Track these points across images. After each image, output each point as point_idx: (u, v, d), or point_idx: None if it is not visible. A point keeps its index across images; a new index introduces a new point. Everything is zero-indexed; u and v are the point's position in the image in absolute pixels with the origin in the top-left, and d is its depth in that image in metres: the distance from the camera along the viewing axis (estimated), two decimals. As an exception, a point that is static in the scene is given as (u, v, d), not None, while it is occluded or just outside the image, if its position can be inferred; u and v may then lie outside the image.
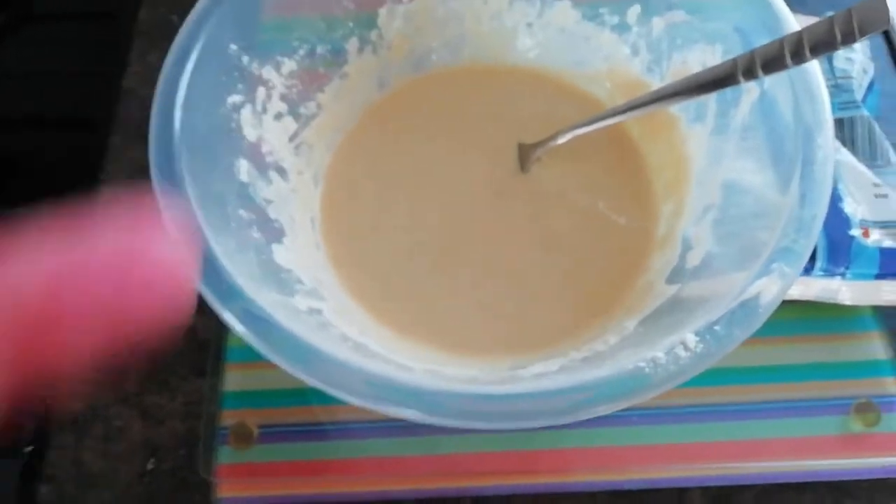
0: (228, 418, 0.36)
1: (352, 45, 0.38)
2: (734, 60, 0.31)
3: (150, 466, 0.36)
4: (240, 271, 0.27)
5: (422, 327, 0.35)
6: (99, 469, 0.36)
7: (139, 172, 0.44)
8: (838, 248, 0.36)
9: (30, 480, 0.36)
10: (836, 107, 0.40)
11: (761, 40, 0.30)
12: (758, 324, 0.25)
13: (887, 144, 0.40)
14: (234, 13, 0.33)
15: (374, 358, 0.29)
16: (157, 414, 0.38)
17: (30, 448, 0.37)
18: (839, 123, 0.40)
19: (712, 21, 0.34)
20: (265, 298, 0.27)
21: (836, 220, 0.37)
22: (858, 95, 0.41)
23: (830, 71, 0.41)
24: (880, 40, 0.47)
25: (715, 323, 0.25)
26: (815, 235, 0.28)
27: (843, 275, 0.37)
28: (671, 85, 0.34)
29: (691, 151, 0.36)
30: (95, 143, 0.46)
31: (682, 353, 0.25)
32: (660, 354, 0.25)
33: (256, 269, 0.30)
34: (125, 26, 0.50)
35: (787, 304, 0.37)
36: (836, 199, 0.37)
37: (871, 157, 0.40)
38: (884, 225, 0.37)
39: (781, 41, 0.29)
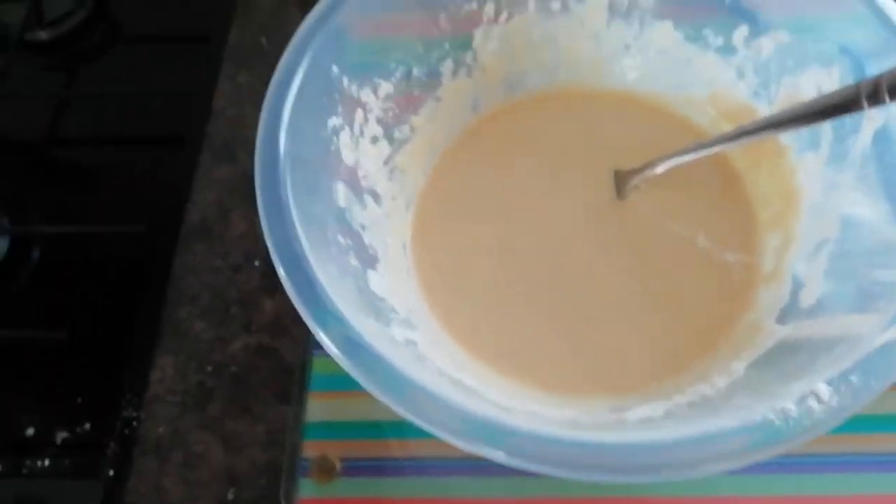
0: (310, 450, 0.35)
1: (446, 67, 0.38)
2: (857, 85, 0.29)
3: (230, 496, 0.36)
4: (341, 297, 0.26)
5: (515, 363, 0.33)
6: (180, 497, 0.36)
7: (227, 190, 0.45)
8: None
9: (112, 504, 0.36)
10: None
11: (882, 64, 0.28)
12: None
13: None
14: (336, 35, 0.32)
15: (472, 395, 0.28)
16: (237, 441, 0.37)
17: (112, 472, 0.37)
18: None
19: (827, 42, 0.32)
20: (365, 326, 0.26)
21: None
22: None
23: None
24: None
25: (850, 371, 0.23)
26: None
27: None
28: (785, 112, 0.32)
29: (802, 182, 0.34)
30: (184, 162, 0.46)
31: (814, 405, 0.23)
32: (790, 406, 0.23)
33: (356, 296, 0.29)
34: (215, 48, 0.51)
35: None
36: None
37: None
38: None
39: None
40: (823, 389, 0.23)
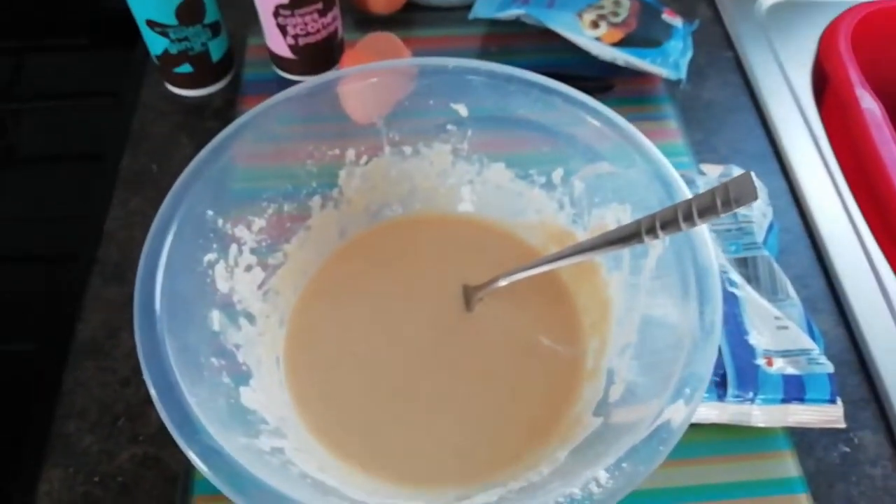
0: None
1: (315, 202, 0.44)
2: (638, 222, 0.36)
3: None
4: (207, 416, 0.30)
5: (375, 460, 0.38)
6: None
7: (115, 310, 0.48)
8: (746, 376, 0.41)
9: None
10: (740, 247, 0.46)
11: (661, 205, 0.36)
12: (659, 459, 0.29)
13: (786, 280, 0.46)
14: (211, 185, 0.37)
15: (330, 494, 0.32)
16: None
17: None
18: (743, 262, 0.46)
19: (621, 186, 0.40)
20: (229, 440, 0.30)
21: (743, 351, 0.42)
22: (759, 237, 0.47)
23: (734, 217, 0.48)
24: (782, 183, 0.54)
25: (623, 459, 0.29)
26: (708, 373, 0.32)
27: (752, 400, 0.41)
28: (588, 241, 0.39)
29: (611, 295, 0.41)
30: (75, 282, 0.50)
31: (594, 488, 0.29)
32: (576, 490, 0.29)
33: (225, 414, 0.33)
34: (109, 172, 0.55)
35: (705, 428, 0.42)
36: (742, 332, 0.43)
37: (773, 292, 0.46)
38: (785, 354, 0.42)
39: (676, 207, 0.35)
40: (602, 475, 0.29)
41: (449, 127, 0.44)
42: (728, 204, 0.33)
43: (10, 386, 0.48)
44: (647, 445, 0.30)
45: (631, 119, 0.57)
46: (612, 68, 0.58)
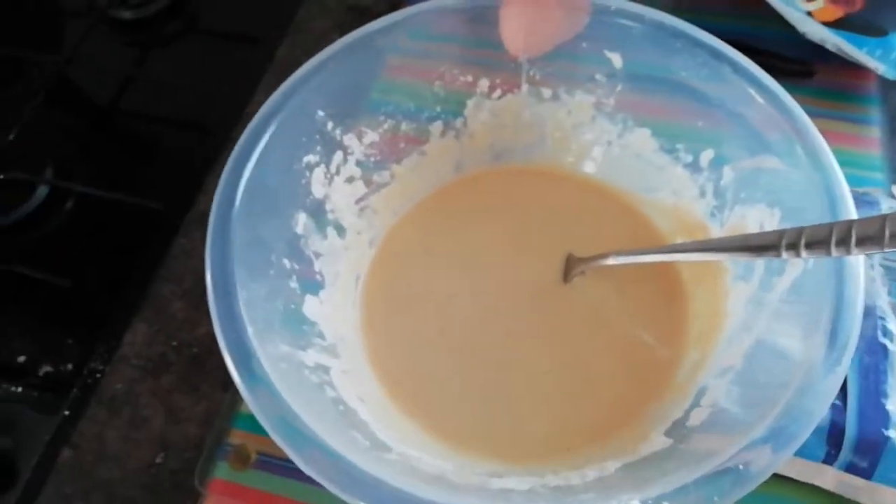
0: (235, 437, 0.39)
1: (436, 127, 0.41)
2: (782, 232, 0.30)
3: (158, 460, 0.40)
4: (254, 316, 0.30)
5: (424, 408, 0.36)
6: (116, 449, 0.40)
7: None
8: (868, 445, 0.35)
9: (58, 441, 0.41)
10: (906, 293, 0.38)
11: (817, 220, 0.30)
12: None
13: (959, 347, 0.38)
14: (328, 86, 0.36)
15: (356, 428, 0.31)
16: (179, 414, 0.41)
17: (67, 412, 0.42)
18: (907, 313, 0.38)
19: (777, 186, 0.34)
20: (269, 346, 0.29)
21: (875, 415, 0.35)
22: (940, 287, 0.39)
23: (909, 255, 0.39)
24: None
25: (668, 496, 0.25)
26: (811, 425, 0.27)
27: (867, 474, 0.35)
28: (719, 240, 0.34)
29: (730, 307, 0.36)
30: (207, 154, 0.51)
31: (623, 516, 0.25)
32: (599, 510, 0.25)
33: (277, 316, 0.33)
34: (263, 58, 0.56)
35: (807, 489, 0.36)
36: (880, 393, 0.36)
37: (938, 358, 0.37)
38: (929, 433, 0.35)
39: (831, 227, 0.29)
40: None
41: (598, 77, 0.39)
42: (896, 240, 0.27)
43: (131, 237, 0.50)
44: (702, 486, 0.25)
45: (827, 116, 0.49)
46: (819, 52, 0.49)
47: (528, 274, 0.40)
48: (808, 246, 0.29)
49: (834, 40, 0.48)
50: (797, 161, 0.33)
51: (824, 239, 0.29)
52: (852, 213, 0.31)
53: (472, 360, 0.37)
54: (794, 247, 0.30)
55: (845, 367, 0.28)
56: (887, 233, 0.27)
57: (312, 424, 0.28)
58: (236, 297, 0.30)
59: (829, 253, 0.29)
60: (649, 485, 0.27)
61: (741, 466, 0.26)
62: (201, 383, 0.43)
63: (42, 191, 0.53)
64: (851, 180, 0.46)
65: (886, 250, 0.27)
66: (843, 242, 0.28)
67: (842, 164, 0.47)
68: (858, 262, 0.30)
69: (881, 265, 0.39)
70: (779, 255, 0.30)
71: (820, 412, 0.27)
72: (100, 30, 0.61)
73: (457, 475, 0.32)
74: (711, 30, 0.36)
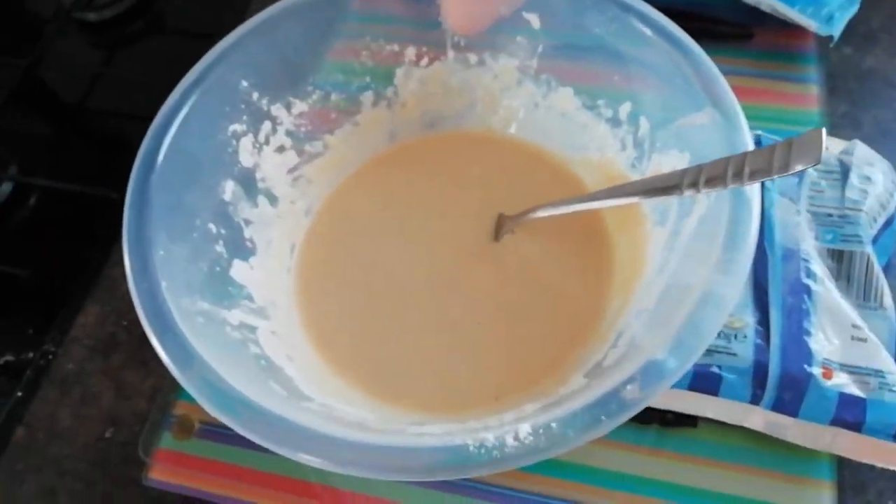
0: (179, 408, 0.40)
1: (367, 97, 0.42)
2: (683, 171, 0.31)
3: (107, 434, 0.41)
4: (171, 273, 0.31)
5: (355, 367, 0.37)
6: (67, 426, 0.41)
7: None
8: (792, 383, 0.35)
9: (12, 422, 0.42)
10: (837, 237, 0.38)
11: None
12: (596, 432, 0.25)
13: (885, 287, 0.38)
14: (252, 55, 0.37)
15: (275, 381, 0.32)
16: (128, 390, 0.42)
17: (20, 394, 0.43)
18: (836, 255, 0.39)
19: (687, 133, 0.34)
20: (185, 301, 0.30)
21: (797, 353, 0.35)
22: (868, 230, 0.39)
23: (840, 200, 0.40)
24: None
25: (554, 419, 0.26)
26: (690, 360, 0.27)
27: (793, 412, 0.35)
28: (629, 184, 0.35)
29: (649, 253, 0.36)
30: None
31: (510, 440, 0.26)
32: (489, 437, 0.26)
33: (199, 277, 0.33)
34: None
35: (736, 430, 0.36)
36: (802, 331, 0.36)
37: (864, 297, 0.38)
38: (852, 369, 0.35)
39: (727, 161, 0.30)
40: (524, 429, 0.26)
41: (519, 39, 0.40)
42: (786, 166, 0.27)
43: (90, 227, 0.52)
44: (588, 412, 0.26)
45: (767, 76, 0.50)
46: (756, 14, 0.50)
47: (461, 235, 0.40)
48: (708, 182, 0.30)
49: (768, 1, 0.48)
50: (703, 108, 0.33)
51: (721, 173, 0.29)
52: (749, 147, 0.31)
53: (404, 319, 0.38)
54: (694, 184, 0.30)
55: (739, 280, 0.28)
56: (776, 162, 0.28)
57: (224, 373, 0.29)
58: (151, 255, 0.31)
59: (725, 185, 0.29)
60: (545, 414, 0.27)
61: (623, 393, 0.26)
62: (150, 360, 0.44)
63: (6, 187, 0.54)
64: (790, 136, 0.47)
65: (776, 177, 0.28)
66: (738, 175, 0.29)
67: (781, 121, 0.48)
68: (753, 199, 0.30)
69: (808, 211, 0.40)
70: (681, 193, 0.31)
71: (700, 347, 0.27)
72: (66, 31, 0.63)
73: (378, 423, 0.32)
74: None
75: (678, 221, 0.34)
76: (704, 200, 0.32)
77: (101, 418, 0.42)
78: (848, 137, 0.46)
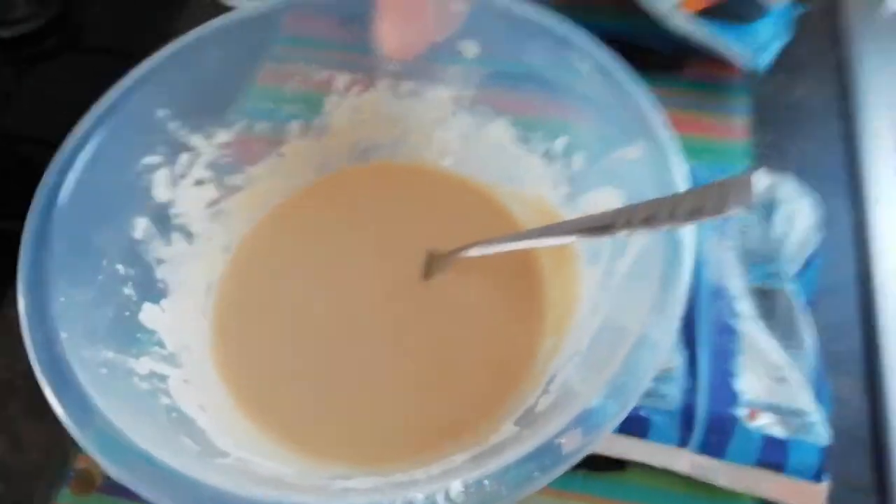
0: (80, 462, 0.37)
1: (293, 126, 0.40)
2: (618, 211, 0.31)
3: (-1, 491, 0.37)
4: (71, 321, 0.28)
5: (273, 416, 0.35)
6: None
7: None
8: (718, 424, 0.35)
9: None
10: (762, 275, 0.38)
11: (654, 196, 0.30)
12: (529, 487, 0.24)
13: (805, 326, 0.38)
14: (170, 83, 0.35)
15: (187, 436, 0.29)
16: (24, 442, 0.39)
17: None
18: (762, 294, 0.39)
19: (622, 170, 0.34)
20: (85, 351, 0.28)
21: (723, 395, 0.35)
22: (791, 267, 0.39)
23: (764, 238, 0.40)
24: (848, 213, 0.45)
25: (487, 475, 0.24)
26: (626, 407, 0.26)
27: (719, 454, 0.35)
28: (563, 223, 0.34)
29: (582, 292, 0.35)
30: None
31: (440, 500, 0.24)
32: (418, 495, 0.24)
33: (104, 323, 0.31)
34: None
35: (665, 474, 0.35)
36: (727, 373, 0.36)
37: (787, 337, 0.38)
38: (775, 409, 0.35)
39: (660, 202, 0.29)
40: (454, 487, 0.25)
41: (453, 69, 0.39)
42: (719, 208, 0.27)
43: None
44: (520, 467, 0.25)
45: (696, 107, 0.50)
46: (688, 45, 0.50)
47: (388, 274, 0.39)
48: (644, 222, 0.29)
49: (699, 32, 0.49)
50: (637, 141, 0.33)
51: (655, 214, 0.29)
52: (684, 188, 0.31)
53: (326, 365, 0.36)
54: (628, 224, 0.30)
55: (665, 345, 0.28)
56: (710, 203, 0.27)
57: (129, 428, 0.26)
58: (48, 302, 0.28)
59: (659, 226, 0.29)
60: (478, 468, 0.26)
61: (558, 444, 0.25)
62: (49, 410, 0.40)
63: None
64: (718, 168, 0.47)
65: (709, 219, 0.28)
66: (672, 216, 0.28)
67: (709, 152, 0.49)
68: (685, 240, 0.30)
69: (735, 248, 0.40)
70: (614, 234, 0.30)
71: (635, 393, 0.27)
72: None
73: (298, 478, 0.31)
74: (592, 28, 0.35)
75: (611, 261, 0.34)
76: (639, 240, 0.32)
77: (-8, 473, 0.38)
78: (775, 167, 0.47)
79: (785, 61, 0.50)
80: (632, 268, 0.32)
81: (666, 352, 0.27)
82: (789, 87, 0.51)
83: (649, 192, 0.31)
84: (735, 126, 0.49)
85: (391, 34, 0.39)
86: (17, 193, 0.51)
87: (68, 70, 0.60)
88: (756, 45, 0.48)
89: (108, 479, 0.36)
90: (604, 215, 0.31)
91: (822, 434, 0.34)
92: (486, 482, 0.24)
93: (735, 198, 0.27)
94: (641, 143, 0.33)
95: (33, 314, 0.28)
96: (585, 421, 0.25)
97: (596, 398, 0.27)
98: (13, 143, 0.55)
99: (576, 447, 0.25)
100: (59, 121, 0.54)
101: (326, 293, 0.38)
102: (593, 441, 0.25)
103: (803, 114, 0.51)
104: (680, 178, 0.31)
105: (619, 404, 0.26)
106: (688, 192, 0.29)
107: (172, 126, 0.36)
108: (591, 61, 0.35)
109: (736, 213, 0.27)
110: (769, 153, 0.48)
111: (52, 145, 0.53)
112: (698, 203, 0.28)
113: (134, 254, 0.34)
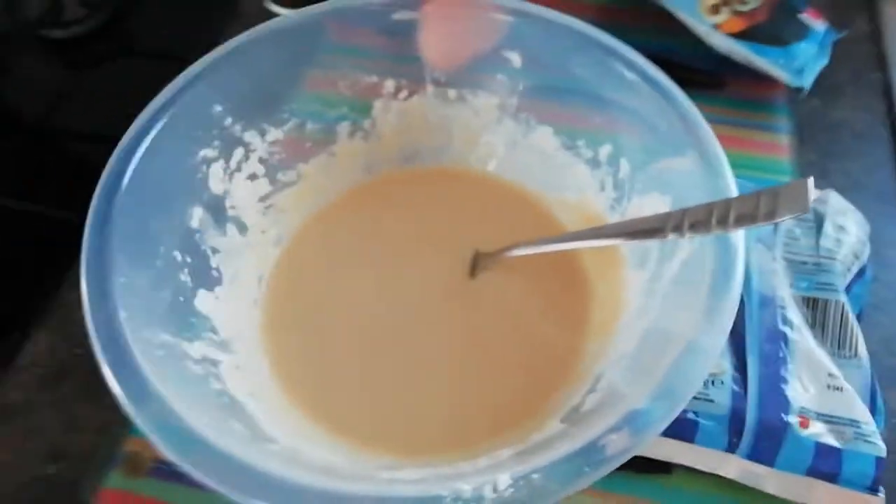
0: (131, 444, 0.38)
1: (343, 127, 0.41)
2: (667, 215, 0.31)
3: (50, 471, 0.38)
4: (131, 303, 0.29)
5: (322, 407, 0.35)
6: (5, 461, 0.39)
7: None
8: (769, 432, 0.34)
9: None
10: (812, 285, 0.38)
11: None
12: (579, 483, 0.24)
13: (860, 336, 0.38)
14: (228, 80, 0.36)
15: (237, 421, 0.30)
16: (79, 422, 0.40)
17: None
18: (811, 304, 0.39)
19: (669, 176, 0.34)
20: (145, 333, 0.29)
21: (774, 401, 0.35)
22: (842, 280, 0.39)
23: (815, 248, 0.40)
24: (892, 227, 0.45)
25: (537, 470, 0.25)
26: (675, 409, 0.26)
27: (769, 461, 0.34)
28: (610, 226, 0.35)
29: (629, 296, 0.35)
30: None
31: (488, 492, 0.24)
32: (465, 487, 0.24)
33: (161, 307, 0.32)
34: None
35: (711, 478, 0.35)
36: (779, 379, 0.36)
37: (838, 346, 0.38)
38: (828, 419, 0.35)
39: (711, 206, 0.29)
40: (503, 480, 0.25)
41: (500, 77, 0.40)
42: (772, 213, 0.27)
43: (45, 247, 0.49)
44: (571, 461, 0.25)
45: (738, 125, 0.51)
46: (728, 64, 0.51)
47: (435, 272, 0.39)
48: (692, 226, 0.30)
49: (740, 51, 0.49)
50: (685, 152, 0.33)
51: (705, 219, 0.29)
52: (734, 194, 0.31)
53: (375, 359, 0.37)
54: (678, 228, 0.30)
55: (716, 351, 0.28)
56: (761, 209, 0.28)
57: (182, 411, 0.27)
58: (110, 282, 0.29)
59: (710, 230, 0.29)
60: (527, 462, 0.26)
61: (608, 442, 0.25)
62: (104, 392, 0.41)
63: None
64: (762, 182, 0.47)
65: (760, 225, 0.28)
66: (723, 221, 0.29)
67: (753, 167, 0.49)
68: (738, 246, 0.30)
69: (784, 258, 0.40)
70: (664, 237, 0.31)
71: (686, 396, 0.27)
72: (31, 49, 0.61)
73: (346, 468, 0.31)
74: (632, 45, 0.36)
75: (659, 266, 0.34)
76: (687, 245, 0.32)
77: (45, 453, 0.39)
78: (818, 187, 0.47)
79: (822, 83, 0.50)
80: (679, 273, 0.32)
81: (716, 357, 0.27)
82: (827, 108, 0.52)
83: (698, 199, 0.31)
84: (777, 144, 0.50)
85: (435, 45, 0.40)
86: (70, 186, 0.53)
87: (120, 72, 0.62)
88: (796, 67, 0.49)
89: (157, 462, 0.37)
90: (653, 218, 0.32)
91: (878, 445, 0.33)
92: (535, 476, 0.25)
93: (790, 203, 0.27)
94: (690, 152, 0.33)
95: (95, 292, 0.29)
96: (633, 421, 0.25)
97: (643, 401, 0.27)
98: (68, 140, 0.57)
99: (624, 447, 0.25)
100: (109, 120, 0.56)
101: (375, 289, 0.39)
102: (640, 441, 0.25)
103: (842, 134, 0.51)
104: (730, 184, 0.32)
105: (667, 407, 0.26)
106: (740, 198, 0.29)
107: (227, 122, 0.37)
108: (637, 71, 0.35)
109: (790, 218, 0.27)
110: (811, 172, 0.48)
111: (104, 141, 0.55)
112: (751, 208, 0.28)
113: (190, 242, 0.35)
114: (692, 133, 0.33)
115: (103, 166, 0.33)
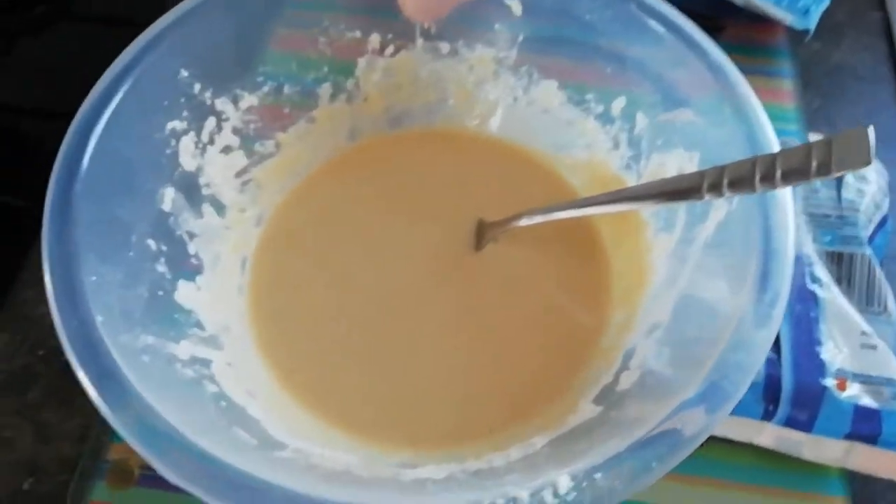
0: (115, 452, 0.34)
1: (324, 89, 0.37)
2: (702, 173, 0.28)
3: (26, 486, 0.34)
4: (105, 304, 0.25)
5: (323, 398, 0.32)
6: (-30, 480, 0.34)
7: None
8: (806, 397, 0.32)
9: None
10: (836, 239, 0.36)
11: (739, 157, 0.27)
12: (647, 478, 0.22)
13: (888, 290, 0.36)
14: (194, 41, 0.31)
15: (241, 427, 0.26)
16: (49, 432, 0.36)
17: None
18: (836, 258, 0.37)
19: (695, 129, 0.31)
20: (124, 337, 0.25)
21: (810, 365, 0.33)
22: (865, 231, 0.37)
23: (837, 200, 0.38)
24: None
25: (600, 468, 0.22)
26: (746, 381, 0.24)
27: (807, 427, 0.32)
28: (635, 188, 0.32)
29: (653, 262, 0.33)
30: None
31: (549, 497, 0.21)
32: (523, 494, 0.21)
33: (139, 304, 0.28)
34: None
35: (744, 448, 0.33)
36: (813, 342, 0.34)
37: (867, 302, 0.36)
38: (865, 379, 0.33)
39: (754, 161, 0.26)
40: (564, 483, 0.22)
41: (497, 27, 0.36)
42: (827, 166, 0.24)
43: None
44: (636, 454, 0.22)
45: (741, 71, 0.48)
46: (728, 7, 0.48)
47: (435, 245, 0.36)
48: (732, 185, 0.27)
49: (742, -7, 0.46)
50: (712, 101, 0.30)
51: (747, 175, 0.26)
52: (775, 147, 0.28)
53: (376, 342, 0.34)
54: (716, 187, 0.27)
55: (779, 317, 0.26)
56: (814, 163, 0.25)
57: (178, 423, 0.23)
58: (80, 282, 0.25)
59: (753, 189, 0.26)
60: (579, 457, 0.23)
61: (678, 428, 0.23)
62: (75, 396, 0.37)
63: None
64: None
65: (815, 181, 0.25)
66: (768, 177, 0.26)
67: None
68: (786, 203, 0.27)
69: (805, 213, 0.38)
70: (700, 198, 0.28)
71: (754, 367, 0.25)
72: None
73: (364, 469, 0.28)
74: None
75: (689, 228, 0.31)
76: (724, 205, 0.29)
77: (17, 467, 0.35)
78: (825, 133, 0.45)
79: (822, 25, 0.47)
80: (715, 236, 0.30)
81: (776, 328, 0.25)
82: (828, 51, 0.49)
83: (732, 155, 0.28)
84: (782, 90, 0.47)
85: None
86: (11, 166, 0.48)
87: (59, 39, 0.56)
88: (800, 7, 0.46)
89: (146, 471, 0.33)
90: (685, 177, 0.29)
91: (917, 404, 0.32)
92: (597, 475, 0.22)
93: (848, 155, 0.24)
94: (719, 103, 0.30)
95: (63, 297, 0.25)
96: (708, 399, 0.23)
97: (697, 385, 0.24)
98: (9, 117, 0.51)
99: (699, 428, 0.22)
100: (51, 91, 0.51)
101: (371, 268, 0.35)
102: (716, 422, 0.22)
103: (845, 78, 0.49)
104: (770, 137, 0.29)
105: (735, 385, 0.23)
106: (786, 151, 0.26)
107: (196, 89, 0.33)
108: (651, 14, 0.32)
109: (849, 172, 0.25)
110: (816, 118, 0.46)
111: (56, 118, 0.50)
112: (801, 162, 0.25)
113: (164, 227, 0.31)
114: (720, 78, 0.30)
115: (56, 146, 0.28)
